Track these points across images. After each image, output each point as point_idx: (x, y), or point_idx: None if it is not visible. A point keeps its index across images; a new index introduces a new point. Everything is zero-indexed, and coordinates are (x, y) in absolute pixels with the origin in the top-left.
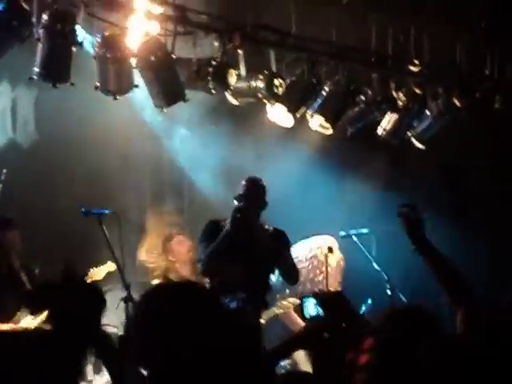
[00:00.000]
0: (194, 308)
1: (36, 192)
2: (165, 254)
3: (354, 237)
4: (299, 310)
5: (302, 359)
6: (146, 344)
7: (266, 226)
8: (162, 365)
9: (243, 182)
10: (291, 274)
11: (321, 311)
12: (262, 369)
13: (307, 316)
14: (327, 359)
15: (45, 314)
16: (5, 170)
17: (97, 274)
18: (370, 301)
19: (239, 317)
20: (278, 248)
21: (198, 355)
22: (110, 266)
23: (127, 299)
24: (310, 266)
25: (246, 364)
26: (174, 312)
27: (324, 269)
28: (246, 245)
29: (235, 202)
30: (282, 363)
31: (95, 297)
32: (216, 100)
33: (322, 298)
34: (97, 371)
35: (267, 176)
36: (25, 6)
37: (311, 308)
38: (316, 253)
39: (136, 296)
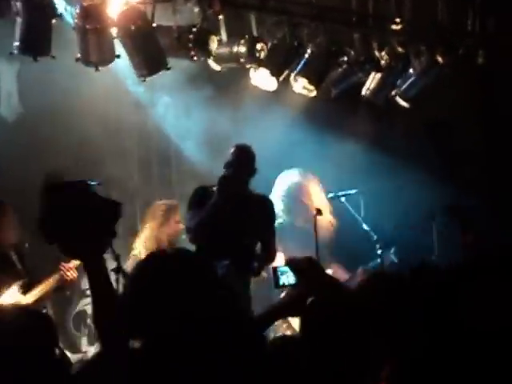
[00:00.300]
0: (188, 275)
1: (22, 165)
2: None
3: (342, 198)
4: (273, 279)
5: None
6: (139, 313)
7: (254, 193)
8: (155, 334)
9: (231, 150)
10: (269, 252)
11: (294, 279)
12: (251, 336)
13: (281, 284)
14: (314, 323)
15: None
16: None
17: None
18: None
19: (227, 284)
20: (262, 220)
21: (191, 323)
22: None
23: (117, 270)
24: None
25: (235, 331)
26: (168, 279)
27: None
28: (233, 213)
29: (223, 170)
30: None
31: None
32: (198, 66)
33: (294, 264)
34: (91, 342)
35: (252, 141)
36: None
37: (285, 277)
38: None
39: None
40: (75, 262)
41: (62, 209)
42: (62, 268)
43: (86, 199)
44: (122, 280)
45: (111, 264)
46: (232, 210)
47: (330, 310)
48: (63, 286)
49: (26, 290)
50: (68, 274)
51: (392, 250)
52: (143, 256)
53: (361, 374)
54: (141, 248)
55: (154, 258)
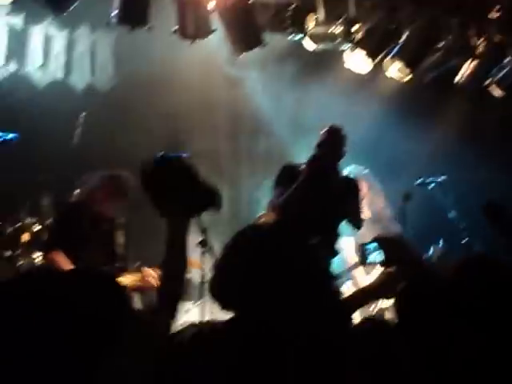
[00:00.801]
0: (285, 249)
1: (115, 136)
2: None
3: (430, 184)
4: (360, 256)
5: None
6: (233, 285)
7: (341, 175)
8: (250, 304)
9: (324, 130)
10: (356, 222)
11: (382, 256)
12: (340, 316)
13: (369, 261)
14: (408, 309)
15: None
16: (83, 114)
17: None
18: (441, 243)
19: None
20: (349, 201)
21: (284, 299)
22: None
23: (203, 243)
24: None
25: (326, 311)
26: (265, 252)
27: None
28: (322, 193)
29: (315, 150)
30: None
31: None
32: (290, 45)
33: (383, 242)
34: None
35: (343, 123)
36: None
37: (372, 254)
38: None
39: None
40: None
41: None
42: (144, 272)
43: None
44: (207, 253)
45: (198, 237)
46: (320, 189)
47: (426, 297)
48: (144, 290)
49: (117, 275)
50: (148, 278)
51: (440, 243)
52: None
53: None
54: None
55: (252, 231)
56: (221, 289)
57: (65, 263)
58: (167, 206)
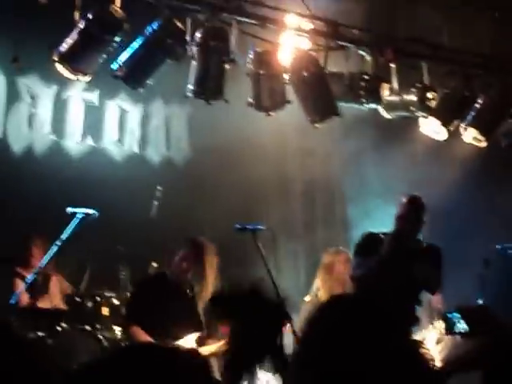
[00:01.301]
0: (374, 322)
1: (191, 208)
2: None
3: (510, 251)
4: (445, 326)
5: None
6: (315, 359)
7: (422, 244)
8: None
9: (403, 201)
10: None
11: (466, 326)
12: None
13: (457, 331)
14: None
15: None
16: (160, 188)
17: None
18: None
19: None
20: (432, 271)
21: (372, 370)
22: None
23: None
24: None
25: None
26: (354, 324)
27: None
28: (401, 266)
29: (395, 222)
30: None
31: (279, 315)
32: (365, 113)
33: (467, 312)
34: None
35: (420, 189)
36: (179, 24)
37: (458, 323)
38: None
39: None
40: None
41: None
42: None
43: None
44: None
45: None
46: (401, 262)
47: None
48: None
49: (201, 343)
50: None
51: None
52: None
53: None
54: (313, 296)
55: (338, 302)
56: (303, 363)
57: (143, 337)
58: None
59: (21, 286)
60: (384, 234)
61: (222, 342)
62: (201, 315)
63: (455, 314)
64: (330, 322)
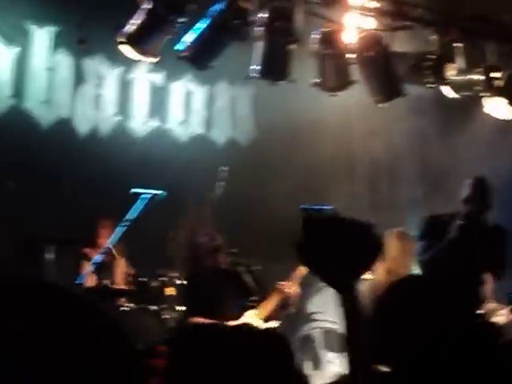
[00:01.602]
0: (445, 301)
1: (256, 189)
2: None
3: None
4: None
5: None
6: (391, 338)
7: (489, 225)
8: (406, 359)
9: (470, 183)
10: (499, 271)
11: None
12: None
13: None
14: None
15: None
16: (226, 168)
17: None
18: None
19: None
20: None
21: (443, 350)
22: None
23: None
24: None
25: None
26: (425, 305)
27: None
28: (468, 248)
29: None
30: None
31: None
32: (429, 93)
33: None
34: (316, 366)
35: (484, 170)
36: (244, 4)
37: None
38: None
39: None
40: (295, 280)
41: (321, 238)
42: (281, 286)
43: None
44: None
45: None
46: (468, 244)
47: None
48: (286, 303)
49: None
50: (288, 290)
51: None
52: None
53: None
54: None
55: (409, 283)
56: (374, 343)
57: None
58: (332, 279)
59: (87, 267)
60: (447, 216)
61: (269, 302)
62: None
63: None
64: (402, 303)
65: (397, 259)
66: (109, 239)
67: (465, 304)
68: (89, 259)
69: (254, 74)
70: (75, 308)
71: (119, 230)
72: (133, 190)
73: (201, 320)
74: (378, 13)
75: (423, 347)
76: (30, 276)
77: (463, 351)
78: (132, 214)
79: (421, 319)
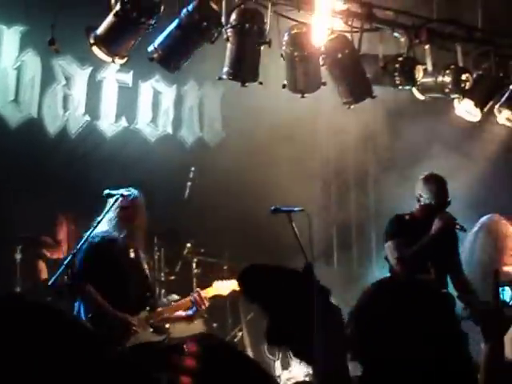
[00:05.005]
0: (422, 306)
1: (224, 189)
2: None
3: None
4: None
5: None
6: (365, 339)
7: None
8: (380, 362)
9: (431, 185)
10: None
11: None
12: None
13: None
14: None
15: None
16: (193, 168)
17: (221, 288)
18: None
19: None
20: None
21: (419, 352)
22: (235, 285)
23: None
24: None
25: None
26: (403, 307)
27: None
28: (444, 245)
29: (425, 201)
30: None
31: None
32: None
33: None
34: (285, 367)
35: (453, 170)
36: (214, 6)
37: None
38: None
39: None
40: (210, 293)
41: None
42: (197, 296)
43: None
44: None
45: None
46: (443, 242)
47: None
48: (193, 316)
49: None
50: (201, 304)
51: None
52: None
53: None
54: None
55: (388, 286)
56: (354, 343)
57: None
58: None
59: (42, 266)
60: (407, 215)
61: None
62: None
63: (505, 285)
64: (383, 307)
65: None
66: (70, 237)
67: (443, 306)
68: (46, 258)
69: (224, 76)
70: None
71: (89, 231)
72: (105, 192)
73: None
74: (348, 15)
75: (402, 351)
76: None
77: (441, 353)
78: (102, 214)
79: (399, 321)
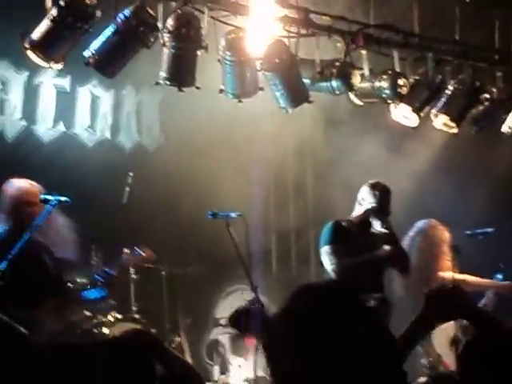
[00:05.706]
0: (342, 307)
1: (162, 194)
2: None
3: (479, 236)
4: None
5: (444, 351)
6: (290, 342)
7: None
8: (306, 364)
9: (377, 192)
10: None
11: None
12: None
13: None
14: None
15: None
16: (131, 173)
17: None
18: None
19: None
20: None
21: (341, 355)
22: None
23: (255, 302)
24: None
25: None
26: (321, 311)
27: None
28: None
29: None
30: (422, 361)
31: None
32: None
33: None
34: (223, 371)
35: (391, 176)
36: (150, 11)
37: None
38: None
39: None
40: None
41: None
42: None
43: None
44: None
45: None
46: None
47: (493, 349)
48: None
49: None
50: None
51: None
52: None
53: None
54: None
55: (307, 291)
56: (274, 348)
57: None
58: None
59: None
60: (345, 221)
61: None
62: None
63: None
64: (303, 312)
65: None
66: None
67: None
68: None
69: (161, 81)
70: None
71: (25, 237)
72: (41, 197)
73: None
74: (285, 20)
75: (322, 356)
76: None
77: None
78: (39, 220)
79: (313, 325)
